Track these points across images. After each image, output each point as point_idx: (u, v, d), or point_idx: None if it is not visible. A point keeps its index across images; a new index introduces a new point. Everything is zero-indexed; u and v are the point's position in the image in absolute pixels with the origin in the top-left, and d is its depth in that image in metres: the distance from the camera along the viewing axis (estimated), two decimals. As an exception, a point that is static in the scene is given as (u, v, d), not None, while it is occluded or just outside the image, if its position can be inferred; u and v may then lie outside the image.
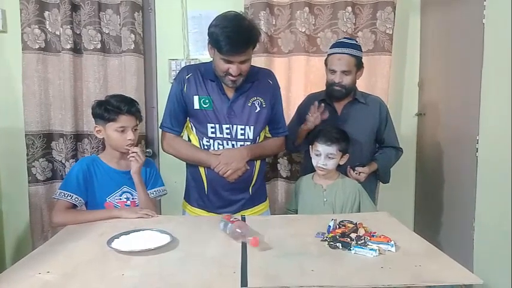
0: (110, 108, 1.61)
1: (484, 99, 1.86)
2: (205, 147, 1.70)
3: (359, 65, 1.90)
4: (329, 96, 1.94)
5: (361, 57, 1.91)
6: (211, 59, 1.65)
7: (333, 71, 1.88)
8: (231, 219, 1.37)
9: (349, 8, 2.30)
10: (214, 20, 1.57)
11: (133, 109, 1.65)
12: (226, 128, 1.67)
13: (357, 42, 1.96)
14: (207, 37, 1.58)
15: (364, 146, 1.94)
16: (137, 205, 1.66)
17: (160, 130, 1.80)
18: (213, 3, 2.46)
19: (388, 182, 2.06)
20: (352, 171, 1.85)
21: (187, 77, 1.69)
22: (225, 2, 2.46)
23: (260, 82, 1.73)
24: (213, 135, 1.68)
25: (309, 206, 1.75)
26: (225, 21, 1.52)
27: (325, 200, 1.72)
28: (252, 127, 1.69)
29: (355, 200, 1.71)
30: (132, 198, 1.68)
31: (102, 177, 1.66)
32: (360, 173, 1.85)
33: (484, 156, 1.88)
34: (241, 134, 1.69)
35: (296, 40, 2.36)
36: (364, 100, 1.96)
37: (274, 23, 2.37)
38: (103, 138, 1.71)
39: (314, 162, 1.74)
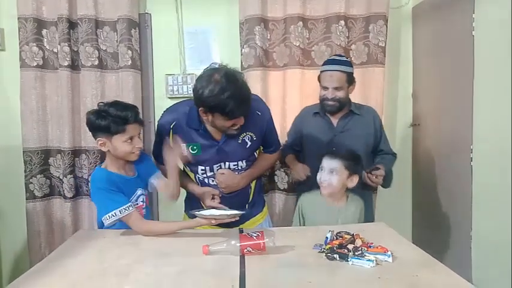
0: (117, 120, 1.51)
1: (477, 108, 1.89)
2: (199, 181, 1.71)
3: (350, 81, 1.93)
4: (323, 111, 1.96)
5: (352, 73, 1.93)
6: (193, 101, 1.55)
7: (325, 88, 1.91)
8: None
9: (342, 22, 2.35)
10: (208, 91, 1.41)
11: (139, 116, 1.58)
12: (217, 166, 1.66)
13: (347, 58, 2.00)
14: (202, 105, 1.47)
15: (362, 156, 1.91)
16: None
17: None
18: (209, 19, 2.52)
19: (390, 186, 2.02)
20: (371, 176, 1.81)
21: (172, 126, 1.63)
22: (220, 18, 2.52)
23: (249, 117, 1.59)
24: (204, 175, 1.68)
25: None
26: (226, 84, 1.41)
27: (339, 221, 1.63)
28: (244, 160, 1.68)
29: (360, 218, 1.69)
30: (144, 197, 1.65)
31: (119, 186, 1.56)
32: (377, 176, 1.82)
33: (479, 165, 1.90)
34: (234, 165, 1.67)
35: (291, 54, 2.40)
36: (358, 111, 1.98)
37: (269, 37, 2.41)
38: (101, 151, 1.67)
39: (318, 177, 1.69)
